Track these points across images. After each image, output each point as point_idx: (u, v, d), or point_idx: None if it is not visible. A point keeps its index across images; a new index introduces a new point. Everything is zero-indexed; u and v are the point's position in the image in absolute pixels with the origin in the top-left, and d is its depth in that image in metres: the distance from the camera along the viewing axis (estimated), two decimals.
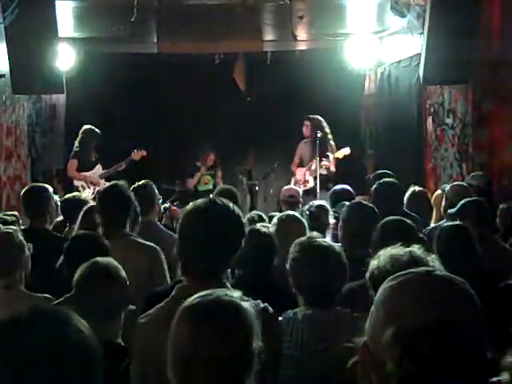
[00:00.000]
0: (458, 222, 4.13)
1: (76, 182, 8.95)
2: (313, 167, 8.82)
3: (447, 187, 5.80)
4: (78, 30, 8.84)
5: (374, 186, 5.27)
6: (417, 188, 5.94)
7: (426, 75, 6.99)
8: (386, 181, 5.32)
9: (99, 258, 3.04)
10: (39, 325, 1.29)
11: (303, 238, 3.17)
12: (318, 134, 8.61)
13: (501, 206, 5.60)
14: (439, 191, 6.37)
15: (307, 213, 4.96)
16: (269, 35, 9.62)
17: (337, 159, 8.89)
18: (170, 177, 9.71)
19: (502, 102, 7.01)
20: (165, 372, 1.83)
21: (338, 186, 6.61)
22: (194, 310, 1.83)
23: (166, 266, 4.07)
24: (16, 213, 5.74)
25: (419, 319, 1.19)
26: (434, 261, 2.55)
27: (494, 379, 1.30)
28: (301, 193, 7.22)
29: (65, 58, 8.11)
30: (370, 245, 3.47)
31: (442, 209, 5.58)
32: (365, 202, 4.58)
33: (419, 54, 7.26)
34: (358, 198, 5.66)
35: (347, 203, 4.65)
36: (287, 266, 3.07)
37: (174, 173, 9.99)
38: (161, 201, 6.60)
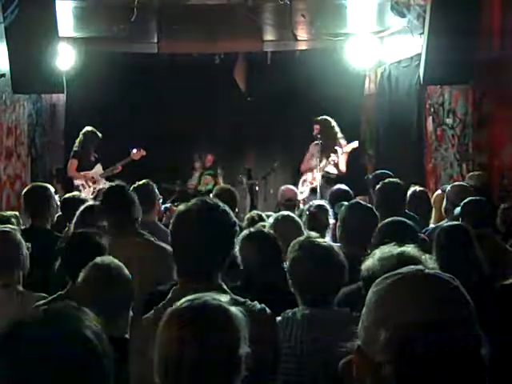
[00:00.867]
0: (457, 222, 4.12)
1: (76, 182, 8.96)
2: (321, 164, 8.85)
3: (448, 187, 5.80)
4: (78, 30, 8.83)
5: (378, 185, 5.24)
6: (418, 188, 5.93)
7: (427, 75, 6.98)
8: (390, 180, 5.28)
9: (100, 259, 3.03)
10: (53, 323, 1.30)
11: (302, 238, 3.15)
12: (319, 141, 8.70)
13: (501, 206, 5.59)
14: (439, 191, 6.36)
15: (307, 213, 4.95)
16: (269, 35, 9.60)
17: (346, 153, 8.92)
18: (170, 177, 9.70)
19: (502, 103, 6.99)
20: None
21: (336, 187, 6.63)
22: (182, 314, 1.82)
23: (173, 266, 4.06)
24: (16, 212, 5.73)
25: (412, 319, 1.18)
26: (427, 260, 2.54)
27: None
28: (300, 193, 7.21)
29: (65, 58, 8.09)
30: (371, 245, 3.47)
31: (442, 209, 5.57)
32: (363, 202, 4.58)
33: (419, 54, 7.26)
34: (357, 199, 5.65)
35: (345, 203, 4.64)
36: (285, 266, 3.07)
37: (174, 173, 9.99)
38: (161, 201, 6.59)
